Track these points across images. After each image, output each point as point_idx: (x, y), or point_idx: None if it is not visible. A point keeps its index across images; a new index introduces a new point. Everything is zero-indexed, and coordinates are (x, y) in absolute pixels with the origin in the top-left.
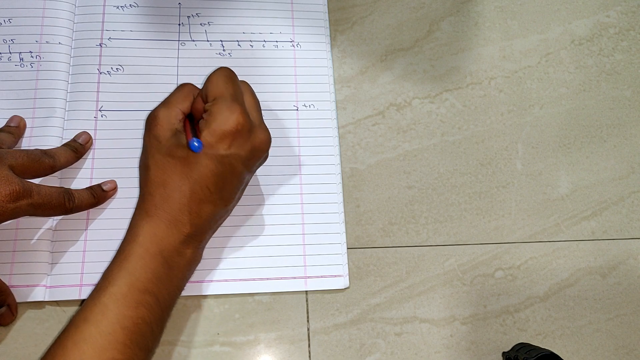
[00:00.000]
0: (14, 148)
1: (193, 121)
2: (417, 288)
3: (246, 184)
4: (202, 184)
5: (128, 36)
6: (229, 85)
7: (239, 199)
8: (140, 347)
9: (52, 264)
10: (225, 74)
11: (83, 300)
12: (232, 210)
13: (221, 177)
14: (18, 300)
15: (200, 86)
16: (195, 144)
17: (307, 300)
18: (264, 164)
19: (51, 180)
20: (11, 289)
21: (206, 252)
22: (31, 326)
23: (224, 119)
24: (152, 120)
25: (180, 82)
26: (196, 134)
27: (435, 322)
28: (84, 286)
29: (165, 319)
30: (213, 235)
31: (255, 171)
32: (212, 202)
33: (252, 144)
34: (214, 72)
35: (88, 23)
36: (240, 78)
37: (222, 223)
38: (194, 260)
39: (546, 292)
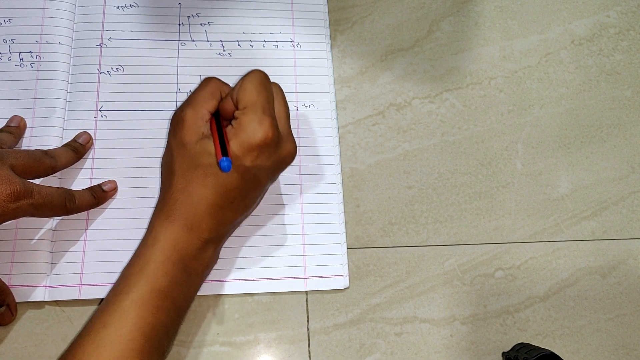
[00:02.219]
0: (15, 148)
1: (219, 118)
2: (417, 288)
3: (267, 190)
4: (225, 194)
5: (128, 36)
6: (261, 95)
7: (259, 203)
8: (158, 351)
9: (52, 264)
10: (259, 80)
11: (84, 300)
12: (251, 213)
13: (245, 188)
14: (18, 300)
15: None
16: (225, 163)
17: (307, 300)
18: None
19: (51, 181)
20: (11, 288)
21: None
22: (31, 326)
23: (252, 131)
24: (178, 122)
25: (180, 82)
26: (223, 138)
27: (435, 322)
28: (84, 286)
29: (181, 322)
30: None
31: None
32: (234, 210)
33: (278, 156)
34: (248, 76)
35: (88, 23)
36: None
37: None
38: (212, 262)
39: (546, 292)
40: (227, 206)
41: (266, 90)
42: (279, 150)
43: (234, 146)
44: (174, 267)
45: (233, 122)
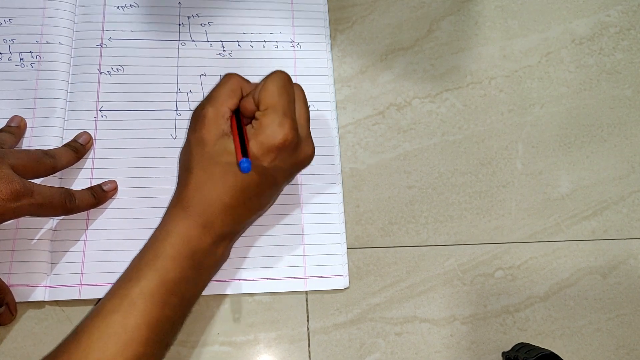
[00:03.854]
0: (15, 148)
1: (239, 116)
2: (417, 288)
3: (282, 190)
4: (242, 193)
5: (128, 36)
6: (282, 97)
7: (273, 202)
8: (162, 344)
9: (52, 263)
10: (281, 83)
11: (84, 300)
12: (266, 212)
13: (261, 188)
14: (18, 300)
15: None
16: (245, 164)
17: (307, 300)
18: None
19: (51, 181)
20: (11, 288)
21: None
22: (31, 326)
23: (272, 132)
24: (199, 119)
25: (180, 82)
26: (244, 138)
27: (435, 322)
28: (84, 286)
29: (187, 316)
30: None
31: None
32: (249, 209)
33: (296, 159)
34: (271, 76)
35: (88, 23)
36: None
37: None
38: (222, 259)
39: (546, 292)
40: (243, 204)
41: (288, 92)
42: (297, 152)
43: (253, 146)
44: (185, 262)
45: (253, 122)
